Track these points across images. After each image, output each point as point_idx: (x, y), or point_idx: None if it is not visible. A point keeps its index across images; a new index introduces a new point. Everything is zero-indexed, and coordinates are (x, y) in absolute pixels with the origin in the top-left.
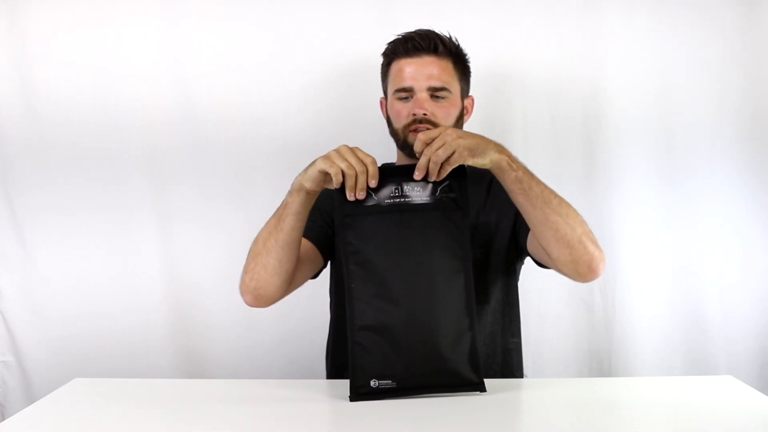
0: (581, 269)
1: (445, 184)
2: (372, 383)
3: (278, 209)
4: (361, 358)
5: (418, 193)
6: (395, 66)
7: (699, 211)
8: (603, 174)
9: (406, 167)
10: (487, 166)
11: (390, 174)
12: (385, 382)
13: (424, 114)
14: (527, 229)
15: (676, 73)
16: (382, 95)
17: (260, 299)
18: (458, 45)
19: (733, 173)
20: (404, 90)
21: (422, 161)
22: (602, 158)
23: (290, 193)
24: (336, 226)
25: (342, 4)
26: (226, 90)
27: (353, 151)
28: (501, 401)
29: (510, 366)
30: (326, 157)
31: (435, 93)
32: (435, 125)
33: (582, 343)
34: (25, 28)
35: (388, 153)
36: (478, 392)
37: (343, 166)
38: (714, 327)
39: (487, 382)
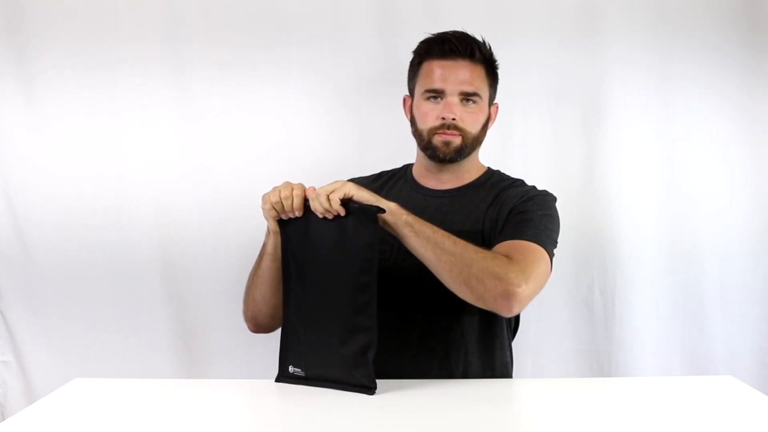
0: (489, 305)
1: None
2: (290, 369)
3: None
4: (284, 345)
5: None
6: (426, 66)
7: (700, 212)
8: (603, 174)
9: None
10: (377, 204)
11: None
12: (298, 370)
13: (453, 119)
14: (497, 241)
15: (676, 73)
16: (407, 92)
17: (259, 327)
18: (491, 52)
19: (734, 181)
20: (434, 91)
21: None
22: (602, 158)
23: (266, 235)
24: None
25: None
26: None
27: (285, 186)
28: (500, 401)
29: (505, 378)
30: (263, 199)
31: (467, 98)
32: (462, 131)
33: (582, 343)
34: None
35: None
36: (367, 393)
37: (274, 199)
38: (714, 327)
39: (488, 382)
